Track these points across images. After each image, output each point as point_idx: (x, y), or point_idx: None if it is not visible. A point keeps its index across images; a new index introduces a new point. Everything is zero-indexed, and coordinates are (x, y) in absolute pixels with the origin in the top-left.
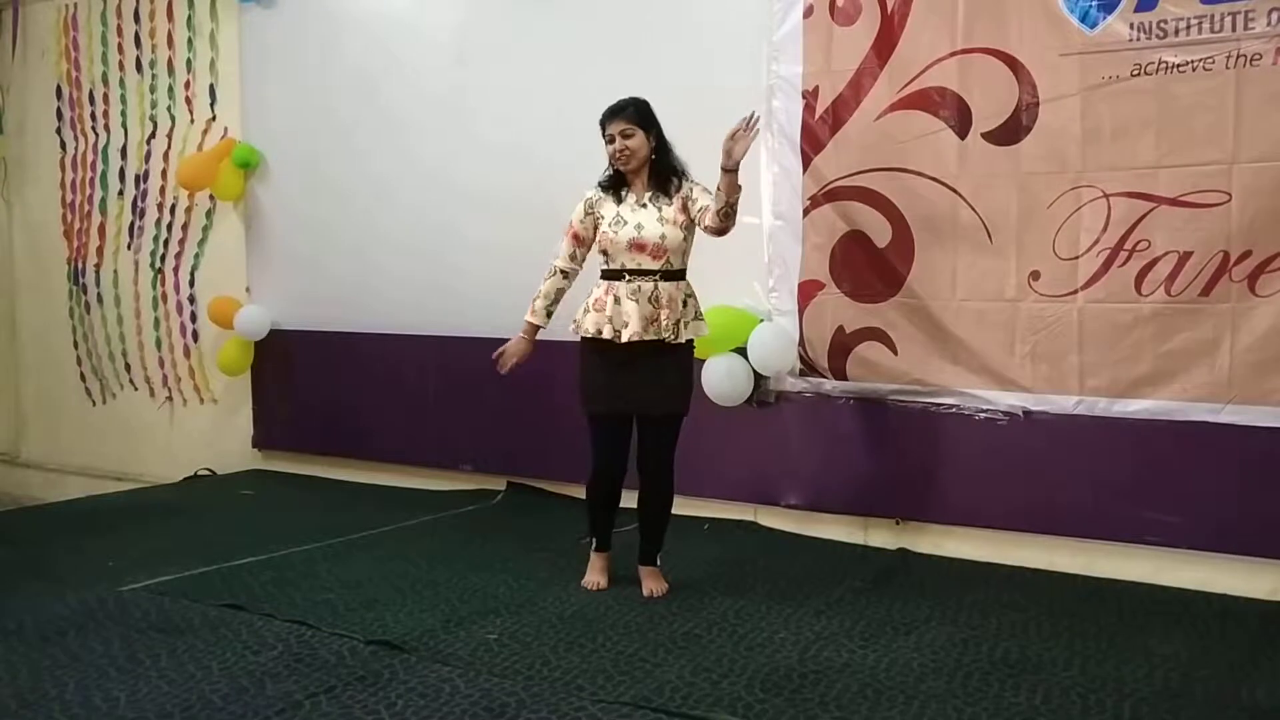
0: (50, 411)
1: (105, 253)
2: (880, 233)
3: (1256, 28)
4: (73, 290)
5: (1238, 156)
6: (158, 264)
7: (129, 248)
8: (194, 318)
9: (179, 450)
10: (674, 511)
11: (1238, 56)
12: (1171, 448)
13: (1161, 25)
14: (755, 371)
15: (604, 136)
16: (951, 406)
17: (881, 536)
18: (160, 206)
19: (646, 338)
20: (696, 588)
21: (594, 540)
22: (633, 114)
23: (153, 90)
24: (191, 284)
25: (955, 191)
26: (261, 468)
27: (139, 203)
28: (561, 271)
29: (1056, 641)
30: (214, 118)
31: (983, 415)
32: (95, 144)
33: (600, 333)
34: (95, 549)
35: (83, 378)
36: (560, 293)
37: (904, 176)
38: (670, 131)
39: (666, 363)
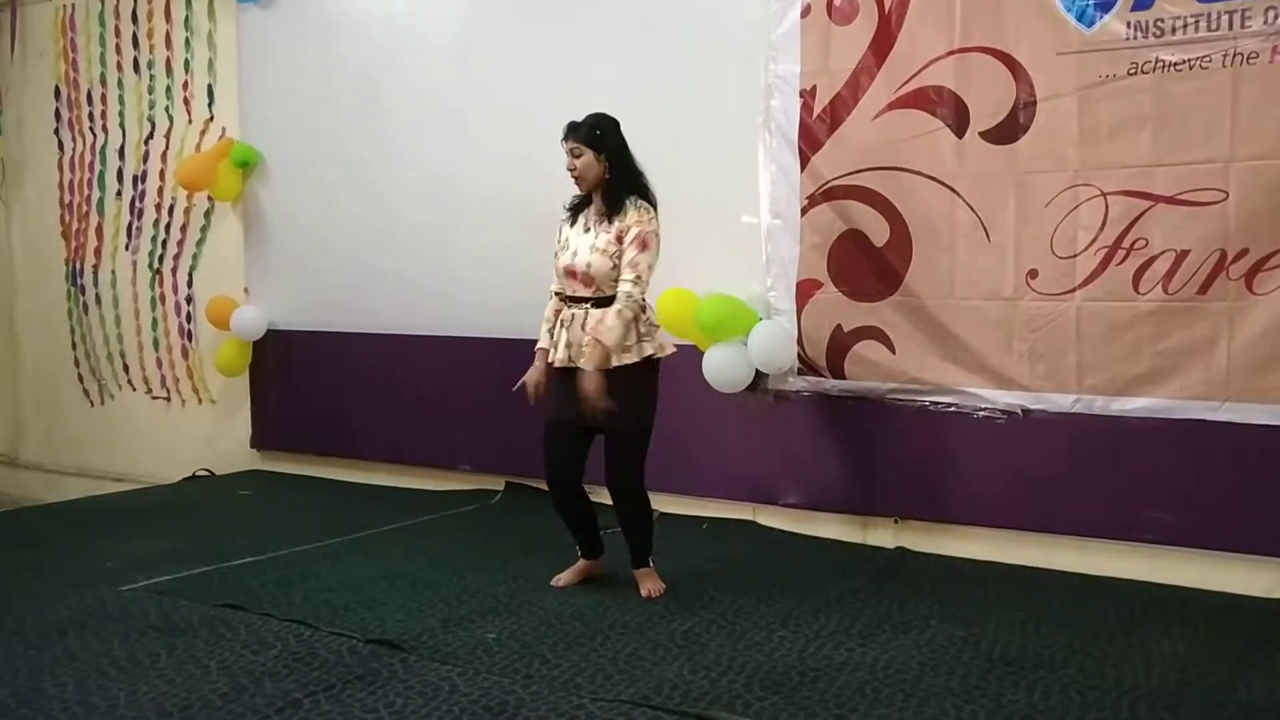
0: (49, 412)
1: (103, 253)
2: (878, 232)
3: (1253, 26)
4: (71, 291)
5: (1235, 155)
6: (156, 264)
7: (127, 248)
8: (191, 318)
9: (177, 451)
10: (673, 511)
11: (1234, 55)
12: (1169, 446)
13: (1158, 24)
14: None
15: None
16: (950, 405)
17: (880, 535)
18: (158, 207)
19: (570, 365)
20: (695, 587)
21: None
22: (584, 134)
23: (151, 91)
24: (190, 284)
25: (953, 190)
26: (260, 468)
27: (137, 203)
28: (556, 294)
29: (1054, 639)
30: (212, 118)
31: (981, 414)
32: (93, 144)
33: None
34: (94, 549)
35: (81, 379)
36: (559, 314)
37: (902, 175)
38: (668, 132)
39: (611, 384)
